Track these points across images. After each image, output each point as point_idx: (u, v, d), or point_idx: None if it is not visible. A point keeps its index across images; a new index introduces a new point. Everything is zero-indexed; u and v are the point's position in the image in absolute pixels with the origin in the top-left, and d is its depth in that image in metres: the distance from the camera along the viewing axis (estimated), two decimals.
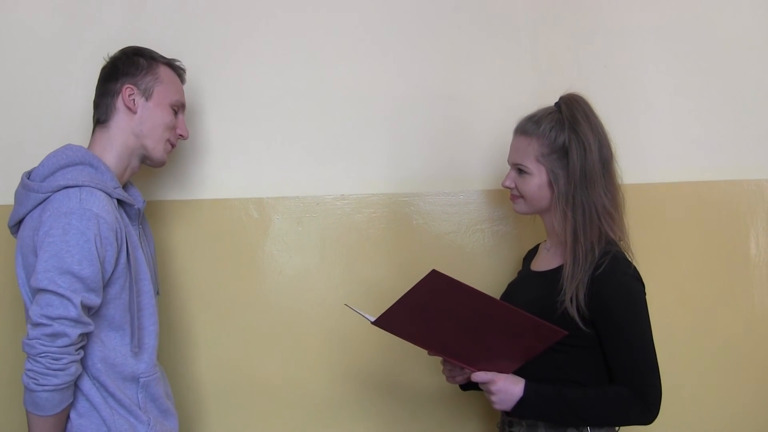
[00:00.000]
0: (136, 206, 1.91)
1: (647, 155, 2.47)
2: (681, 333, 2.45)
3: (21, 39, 2.32)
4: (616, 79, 2.48)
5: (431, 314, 1.75)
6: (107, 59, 1.98)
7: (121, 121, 1.91)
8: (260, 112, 2.35)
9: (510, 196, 2.02)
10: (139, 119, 1.91)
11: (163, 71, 1.96)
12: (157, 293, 2.03)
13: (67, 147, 1.85)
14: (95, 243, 1.69)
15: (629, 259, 1.88)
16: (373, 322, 1.78)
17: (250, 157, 2.35)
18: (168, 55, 2.03)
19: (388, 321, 1.77)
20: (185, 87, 2.06)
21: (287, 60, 2.36)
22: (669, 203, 2.48)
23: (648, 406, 1.77)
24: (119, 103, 1.91)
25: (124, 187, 1.97)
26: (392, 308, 1.74)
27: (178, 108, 2.00)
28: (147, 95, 1.92)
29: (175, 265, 2.31)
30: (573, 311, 1.79)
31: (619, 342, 1.80)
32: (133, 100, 1.91)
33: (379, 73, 2.39)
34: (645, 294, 1.86)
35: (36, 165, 1.83)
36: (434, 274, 1.65)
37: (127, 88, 1.91)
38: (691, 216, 2.49)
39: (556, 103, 1.96)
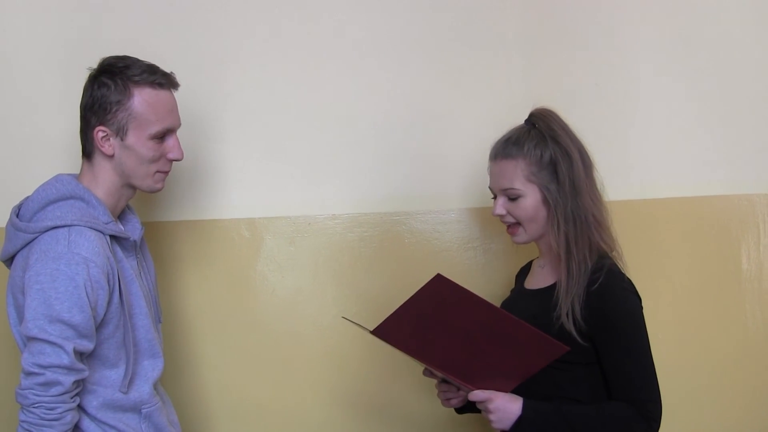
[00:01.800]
0: (131, 239, 1.84)
1: (639, 171, 2.48)
2: (674, 348, 2.44)
3: (2, 51, 2.29)
4: (607, 96, 2.48)
5: (432, 323, 1.73)
6: (90, 71, 1.81)
7: (101, 161, 1.79)
8: (250, 132, 2.35)
9: (506, 228, 1.97)
10: (118, 160, 1.78)
11: (139, 98, 1.75)
12: (159, 321, 1.99)
13: (57, 179, 1.79)
14: (85, 289, 1.64)
15: (623, 272, 1.88)
16: (371, 332, 1.76)
17: (241, 177, 2.35)
18: None
19: (387, 330, 1.75)
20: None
21: (276, 82, 2.36)
22: (661, 219, 2.48)
23: (649, 422, 1.76)
24: (95, 143, 1.77)
25: (122, 213, 1.91)
26: (393, 316, 1.72)
27: (165, 134, 1.81)
28: (122, 135, 1.76)
29: (167, 285, 2.30)
30: (570, 326, 1.78)
31: (619, 358, 1.79)
32: (108, 141, 1.76)
33: (370, 93, 2.40)
34: (642, 308, 1.86)
35: (22, 189, 1.79)
36: (438, 278, 1.65)
37: (99, 130, 1.75)
38: (683, 231, 2.50)
39: (528, 120, 1.94)
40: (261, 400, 2.33)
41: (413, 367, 1.92)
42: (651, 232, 2.47)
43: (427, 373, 1.92)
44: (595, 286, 1.79)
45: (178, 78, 1.86)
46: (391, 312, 1.72)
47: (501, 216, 1.94)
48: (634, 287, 1.87)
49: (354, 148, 2.39)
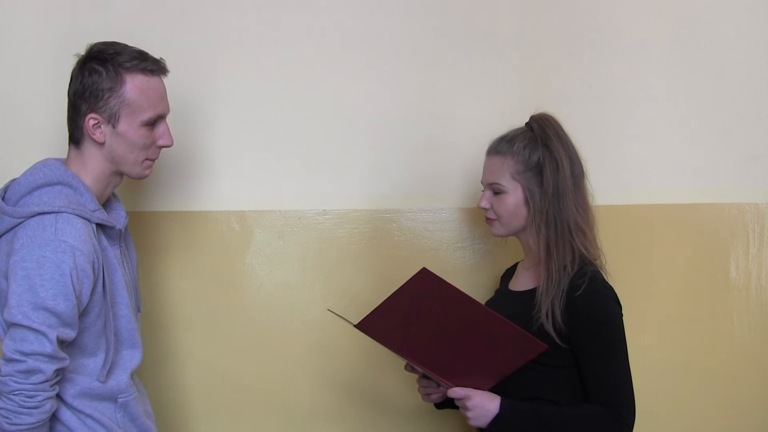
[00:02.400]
0: (117, 227, 1.82)
1: (630, 176, 2.49)
2: (660, 355, 2.45)
3: None
4: (600, 99, 2.49)
5: (415, 318, 1.75)
6: (77, 57, 1.78)
7: (91, 148, 1.77)
8: (243, 125, 2.34)
9: (486, 219, 2.02)
10: (108, 148, 1.76)
11: (132, 85, 1.74)
12: (139, 310, 1.98)
13: (45, 164, 1.76)
14: (71, 277, 1.62)
15: (606, 280, 1.90)
16: (355, 326, 1.78)
17: (232, 170, 2.34)
18: None
19: (371, 324, 1.77)
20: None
21: (271, 75, 2.36)
22: (651, 225, 2.49)
23: (621, 426, 1.78)
24: (86, 130, 1.75)
25: (107, 201, 1.88)
26: (377, 309, 1.74)
27: (156, 120, 1.80)
28: (113, 122, 1.74)
29: (155, 276, 2.29)
30: (549, 326, 1.81)
31: (597, 363, 1.82)
32: (99, 129, 1.74)
33: (364, 89, 2.40)
34: (622, 316, 1.87)
35: (8, 176, 1.77)
36: (424, 272, 1.66)
37: (90, 118, 1.73)
38: (673, 238, 2.50)
39: (527, 123, 1.99)
40: (246, 392, 2.32)
41: (396, 361, 1.93)
42: (640, 237, 2.48)
43: (409, 368, 1.94)
44: (578, 292, 1.81)
45: (171, 69, 1.85)
46: (376, 306, 1.73)
47: (485, 210, 1.99)
48: (616, 295, 1.88)
49: (347, 144, 2.39)
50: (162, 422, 2.18)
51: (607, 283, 1.89)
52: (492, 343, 1.74)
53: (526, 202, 1.91)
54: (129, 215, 1.92)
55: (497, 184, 1.94)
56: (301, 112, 2.37)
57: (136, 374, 1.93)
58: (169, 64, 1.84)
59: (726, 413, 2.51)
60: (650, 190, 2.50)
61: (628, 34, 2.50)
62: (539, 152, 1.90)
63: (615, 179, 2.45)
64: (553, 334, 1.80)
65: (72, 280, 1.63)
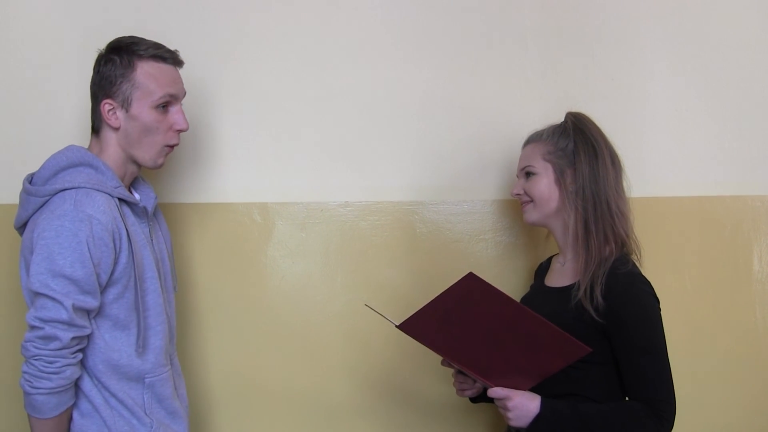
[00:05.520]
0: (140, 204, 1.88)
1: (652, 168, 2.48)
2: (682, 347, 2.43)
3: (21, 34, 2.26)
4: (623, 92, 2.48)
5: (458, 320, 1.75)
6: (100, 51, 1.87)
7: (107, 134, 1.85)
8: (266, 117, 2.34)
9: (521, 205, 2.05)
10: (123, 133, 1.84)
11: (142, 69, 1.82)
12: (175, 289, 2.04)
13: (69, 148, 1.83)
14: (87, 245, 1.68)
15: (643, 274, 1.90)
16: (397, 326, 1.78)
17: (254, 162, 2.34)
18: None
19: (413, 326, 1.77)
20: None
21: (295, 65, 2.35)
22: (673, 217, 2.48)
23: (662, 421, 1.77)
24: (103, 116, 1.83)
25: (134, 183, 1.96)
26: (420, 312, 1.74)
27: (168, 103, 1.86)
28: (126, 106, 1.82)
29: (177, 267, 2.29)
30: (587, 303, 1.82)
31: (635, 357, 1.81)
32: (114, 114, 1.82)
33: (387, 81, 2.39)
34: (660, 311, 1.87)
35: (38, 166, 1.82)
36: (471, 277, 1.67)
37: (105, 103, 1.82)
38: (695, 230, 2.50)
39: (564, 119, 2.03)
40: (266, 384, 2.32)
41: (423, 355, 1.92)
42: (662, 229, 2.47)
43: (446, 363, 1.94)
44: (619, 277, 1.83)
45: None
46: (405, 309, 1.73)
47: (518, 195, 2.05)
48: (653, 290, 1.88)
49: (369, 136, 2.38)
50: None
51: (645, 278, 1.88)
52: (535, 346, 1.74)
53: (558, 181, 1.96)
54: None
55: (529, 166, 2.00)
56: (325, 103, 2.36)
57: (176, 356, 2.01)
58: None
59: (746, 405, 2.51)
60: (672, 182, 2.50)
61: (650, 27, 2.50)
62: (571, 138, 1.96)
63: (637, 171, 2.41)
64: (591, 311, 1.81)
65: (89, 247, 1.68)
